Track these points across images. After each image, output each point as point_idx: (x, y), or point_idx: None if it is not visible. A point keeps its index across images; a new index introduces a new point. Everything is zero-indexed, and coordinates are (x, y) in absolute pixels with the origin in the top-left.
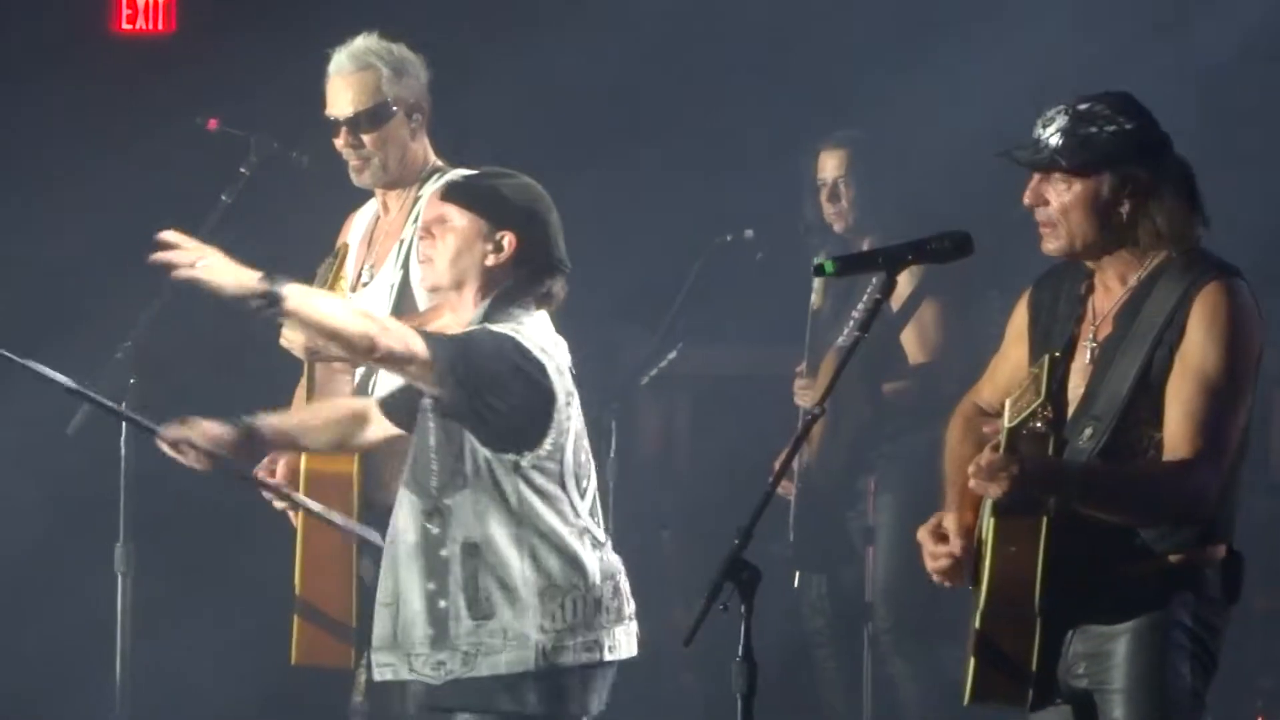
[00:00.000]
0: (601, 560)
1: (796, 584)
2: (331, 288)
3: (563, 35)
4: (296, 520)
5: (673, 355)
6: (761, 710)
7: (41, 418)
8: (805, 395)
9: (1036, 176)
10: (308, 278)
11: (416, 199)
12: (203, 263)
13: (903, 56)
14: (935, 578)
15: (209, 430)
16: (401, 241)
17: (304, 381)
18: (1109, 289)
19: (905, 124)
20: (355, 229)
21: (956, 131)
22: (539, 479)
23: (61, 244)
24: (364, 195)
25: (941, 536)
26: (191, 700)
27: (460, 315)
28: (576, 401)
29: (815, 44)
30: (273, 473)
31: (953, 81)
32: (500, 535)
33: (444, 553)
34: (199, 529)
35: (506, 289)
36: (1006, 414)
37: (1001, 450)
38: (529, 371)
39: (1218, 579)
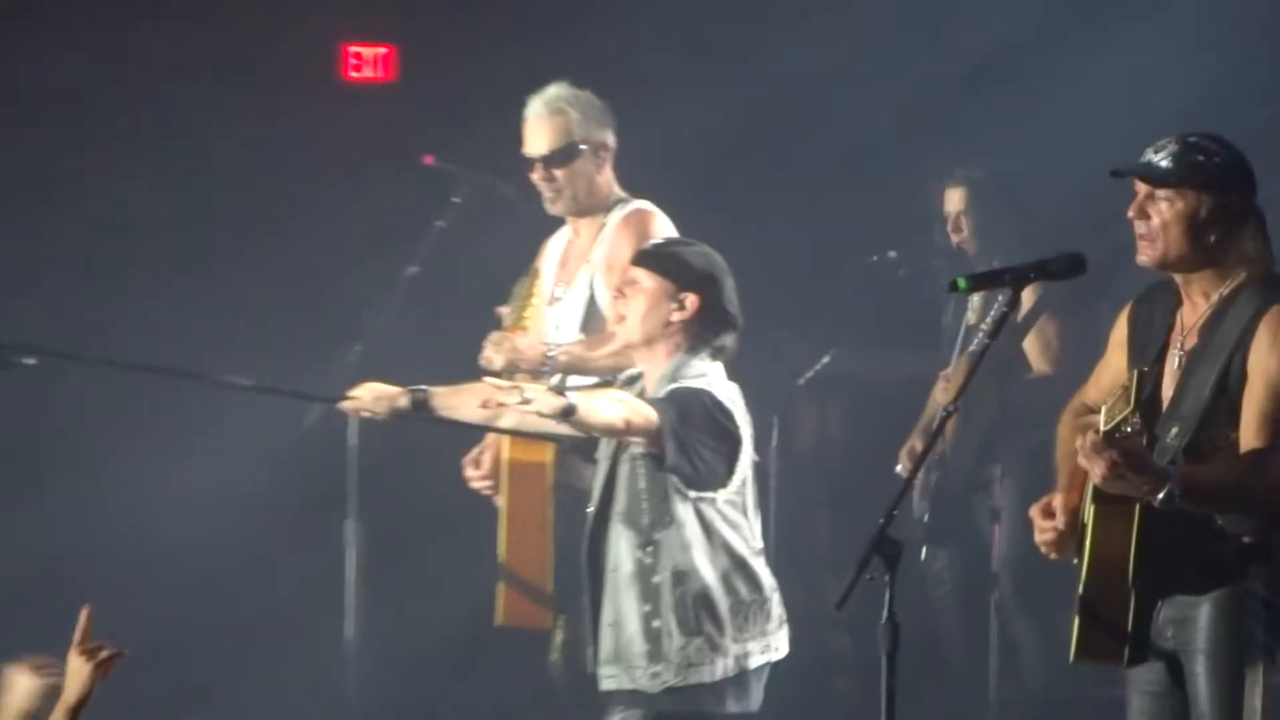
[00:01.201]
0: (768, 575)
1: (923, 557)
2: (526, 303)
3: (730, 80)
4: (500, 501)
5: (826, 359)
6: (902, 668)
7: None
8: (944, 391)
9: (1143, 192)
10: (505, 294)
11: (603, 225)
12: (526, 398)
13: (1021, 93)
14: (1042, 549)
15: (380, 391)
16: (590, 263)
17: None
18: (1195, 305)
19: (1025, 155)
20: (550, 252)
21: (1069, 162)
22: (730, 512)
23: (297, 265)
24: (558, 222)
25: (1049, 513)
26: (409, 658)
27: (651, 367)
28: (749, 442)
29: (944, 85)
30: (478, 463)
31: (1065, 115)
32: (702, 562)
33: (656, 580)
34: (415, 508)
35: (690, 344)
36: (1102, 419)
37: (1097, 449)
38: (723, 422)
39: None
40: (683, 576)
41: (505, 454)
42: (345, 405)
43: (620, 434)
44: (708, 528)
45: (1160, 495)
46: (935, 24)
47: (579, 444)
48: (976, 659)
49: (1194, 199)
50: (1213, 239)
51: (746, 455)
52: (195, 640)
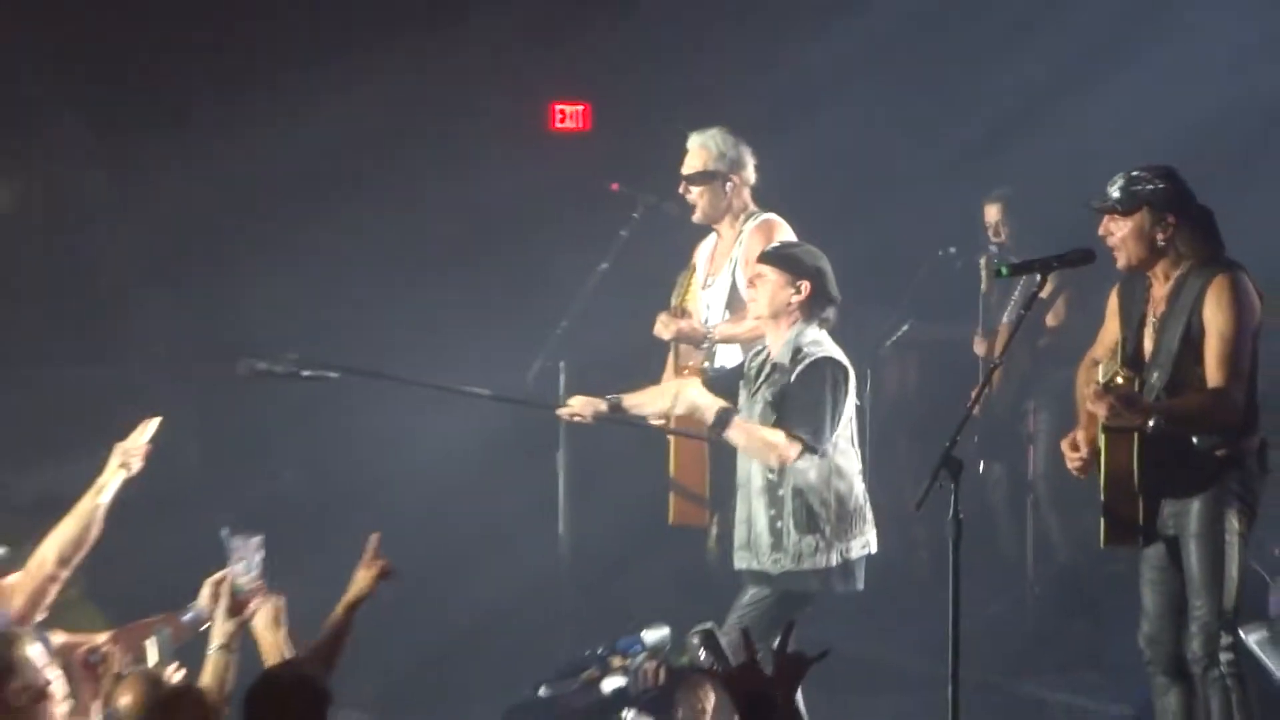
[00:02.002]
0: (863, 488)
1: (981, 470)
2: (685, 290)
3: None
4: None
5: (905, 328)
6: (965, 551)
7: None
8: (980, 345)
9: (1105, 218)
10: (671, 283)
11: (740, 231)
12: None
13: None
14: (1073, 472)
15: (587, 400)
16: (731, 259)
17: (670, 363)
18: (1161, 284)
19: (1047, 175)
20: (702, 251)
21: (1076, 182)
22: (842, 442)
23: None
24: (710, 230)
25: (1075, 447)
26: (606, 555)
27: (775, 336)
28: (854, 383)
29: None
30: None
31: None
32: (818, 480)
33: (780, 492)
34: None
35: (805, 318)
36: (1100, 373)
37: (1099, 395)
38: (839, 379)
39: (1255, 459)
40: (800, 491)
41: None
42: (561, 412)
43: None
44: (825, 455)
45: (1150, 423)
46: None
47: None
48: (1019, 544)
49: (1139, 219)
50: (1161, 242)
51: (852, 399)
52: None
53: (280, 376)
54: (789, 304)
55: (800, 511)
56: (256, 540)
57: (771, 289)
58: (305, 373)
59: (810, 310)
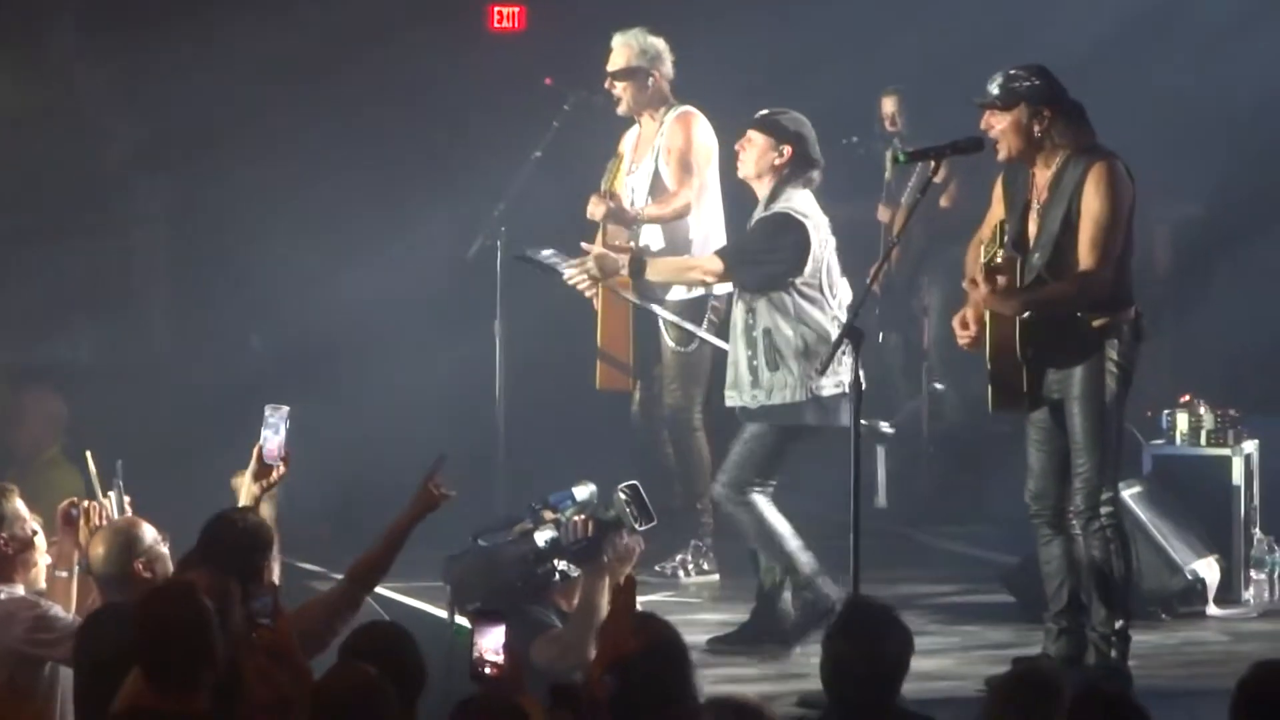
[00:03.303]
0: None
1: (880, 339)
2: (614, 176)
3: None
4: (597, 304)
5: None
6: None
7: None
8: (883, 213)
9: (987, 113)
10: (601, 170)
11: (661, 122)
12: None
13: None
14: (963, 347)
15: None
16: (654, 148)
17: (598, 241)
18: (1042, 172)
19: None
20: (627, 140)
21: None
22: (806, 289)
23: (457, 160)
24: (633, 121)
25: (965, 324)
26: (538, 413)
27: (760, 190)
28: (828, 240)
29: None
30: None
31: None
32: (785, 323)
33: (754, 334)
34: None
35: (784, 177)
36: (982, 254)
37: (980, 275)
38: (787, 230)
39: (1130, 329)
40: (767, 331)
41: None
42: (580, 270)
43: (701, 284)
44: (788, 300)
45: (1023, 314)
46: None
47: None
48: (914, 405)
49: (1017, 113)
50: (1037, 133)
51: (820, 253)
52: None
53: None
54: (772, 166)
55: (770, 350)
56: (284, 411)
57: (757, 152)
58: (562, 270)
59: (792, 172)
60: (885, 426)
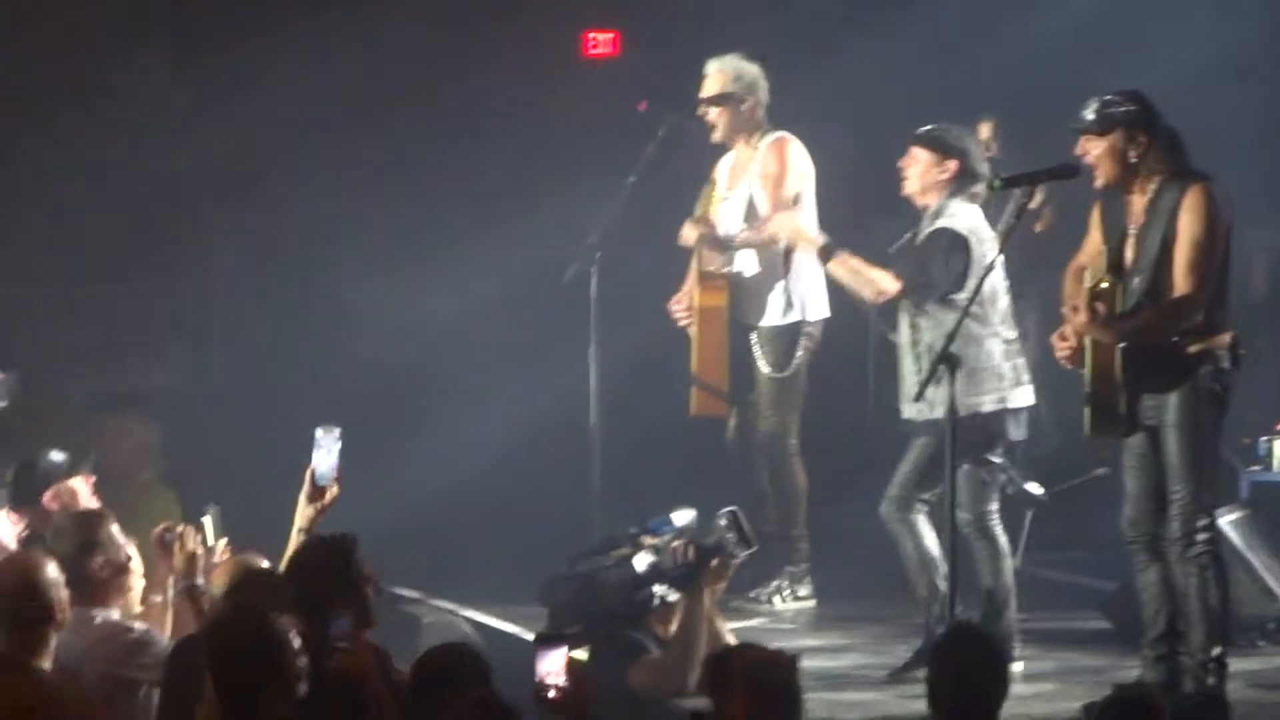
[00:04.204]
0: (1006, 348)
1: None
2: (707, 201)
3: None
4: (693, 331)
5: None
6: None
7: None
8: None
9: (1083, 139)
10: (694, 196)
11: (756, 149)
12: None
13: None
14: (1062, 361)
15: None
16: (748, 174)
17: (693, 268)
18: (1139, 198)
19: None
20: (722, 166)
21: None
22: (973, 308)
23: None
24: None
25: (1064, 338)
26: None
27: (928, 203)
28: (992, 254)
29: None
30: (680, 302)
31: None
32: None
33: (920, 349)
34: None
35: (951, 193)
36: (1087, 280)
37: (1083, 302)
38: (955, 246)
39: (1227, 354)
40: (930, 348)
41: (696, 301)
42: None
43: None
44: (951, 317)
45: (1120, 343)
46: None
47: None
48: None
49: (1113, 139)
50: (1133, 159)
51: (981, 267)
52: None
53: None
54: (937, 181)
55: (931, 364)
56: (336, 433)
57: (921, 169)
58: None
59: (958, 186)
60: (1036, 489)
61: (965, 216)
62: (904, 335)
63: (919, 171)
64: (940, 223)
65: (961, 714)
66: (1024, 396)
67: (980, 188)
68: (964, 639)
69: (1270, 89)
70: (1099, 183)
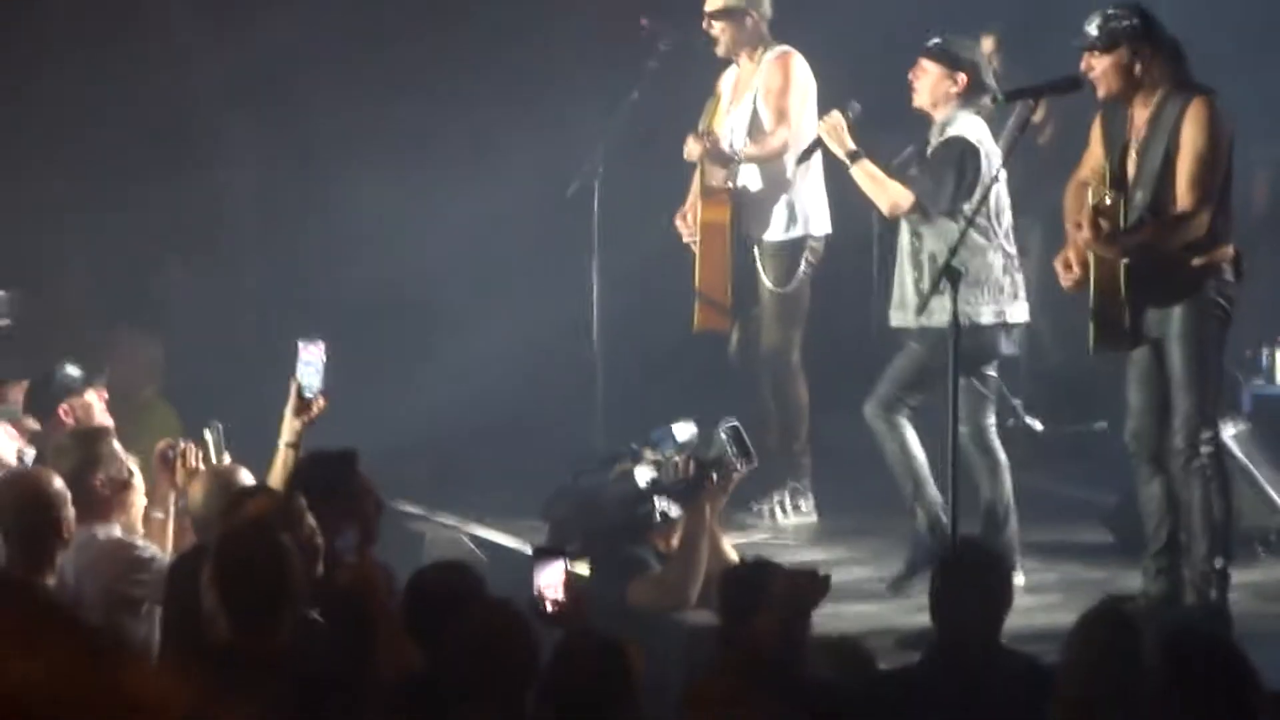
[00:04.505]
0: (1005, 261)
1: None
2: (712, 116)
3: None
4: (696, 247)
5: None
6: None
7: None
8: None
9: (1087, 55)
10: (697, 112)
11: (759, 62)
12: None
13: None
14: (1067, 289)
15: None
16: (752, 88)
17: (696, 182)
18: (1140, 111)
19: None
20: (725, 80)
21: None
22: (977, 219)
23: (557, 91)
24: (731, 61)
25: (1067, 265)
26: (636, 354)
27: (936, 117)
28: (997, 166)
29: None
30: (684, 219)
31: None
32: (947, 248)
33: (922, 257)
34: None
35: (960, 105)
36: (1091, 195)
37: (1086, 218)
38: (966, 155)
39: (1230, 267)
40: (933, 256)
41: (700, 215)
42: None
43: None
44: (954, 227)
45: (1125, 259)
46: None
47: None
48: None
49: (1118, 54)
50: (1137, 73)
51: (989, 177)
52: None
53: None
54: (947, 93)
55: (935, 274)
56: (321, 345)
57: (932, 81)
58: None
59: (966, 99)
60: (1037, 425)
61: (974, 128)
62: (905, 243)
63: (929, 84)
64: (951, 131)
65: (965, 627)
66: (1020, 312)
67: (986, 100)
68: (967, 553)
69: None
70: (1101, 95)
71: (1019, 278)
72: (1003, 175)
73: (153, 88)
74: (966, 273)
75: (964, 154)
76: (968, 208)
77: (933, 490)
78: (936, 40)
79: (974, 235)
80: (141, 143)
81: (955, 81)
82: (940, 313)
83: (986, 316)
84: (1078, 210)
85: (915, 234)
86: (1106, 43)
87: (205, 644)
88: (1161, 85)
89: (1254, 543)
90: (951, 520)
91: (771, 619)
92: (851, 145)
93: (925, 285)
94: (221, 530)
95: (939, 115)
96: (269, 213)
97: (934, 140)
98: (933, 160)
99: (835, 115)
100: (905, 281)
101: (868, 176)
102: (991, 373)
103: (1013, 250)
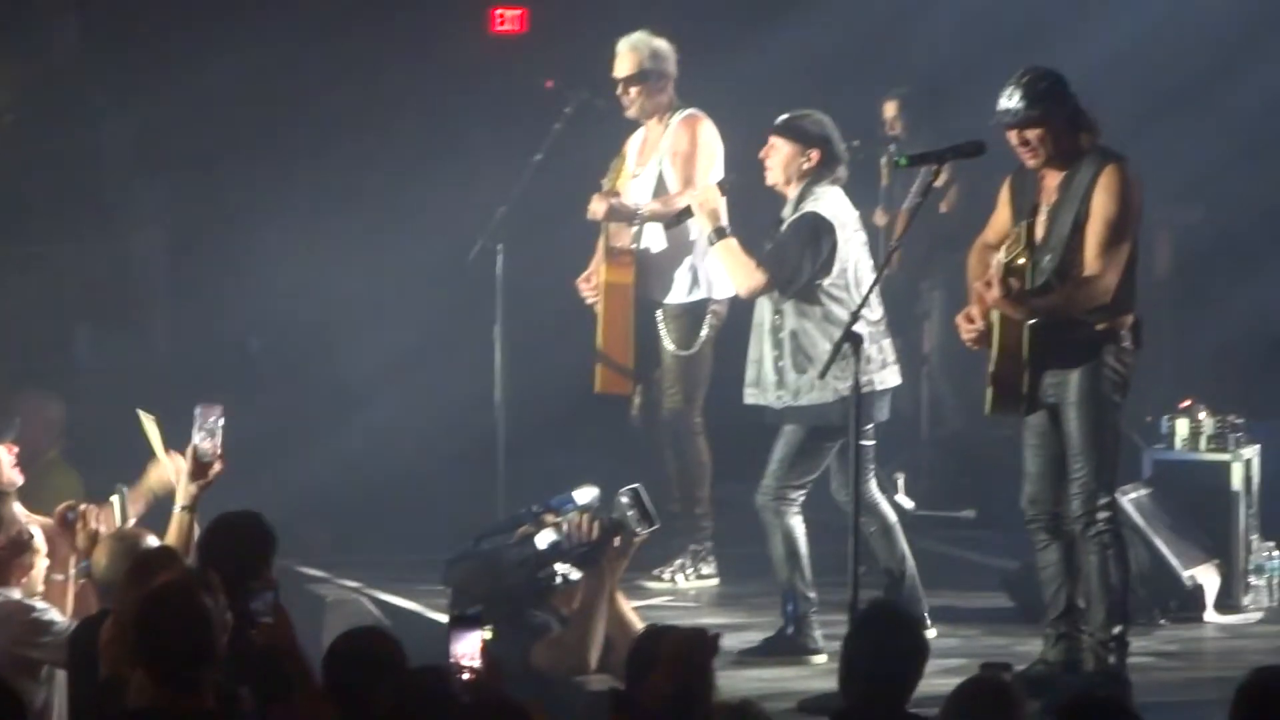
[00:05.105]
0: (872, 330)
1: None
2: (616, 176)
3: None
4: (599, 308)
5: None
6: None
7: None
8: (880, 217)
9: (1014, 130)
10: (601, 173)
11: (667, 125)
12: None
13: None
14: (967, 344)
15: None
16: (659, 150)
17: (600, 244)
18: (1053, 175)
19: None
20: (632, 143)
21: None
22: (834, 290)
23: (458, 158)
24: (638, 123)
25: (970, 319)
26: (537, 416)
27: (791, 191)
28: (857, 239)
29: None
30: (588, 280)
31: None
32: (812, 326)
33: (781, 335)
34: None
35: (814, 180)
36: (1002, 254)
37: (996, 277)
38: (820, 232)
39: (1129, 335)
40: (794, 334)
41: (602, 277)
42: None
43: (744, 292)
44: (816, 301)
45: (1032, 319)
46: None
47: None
48: (914, 410)
49: (1045, 125)
50: (1062, 141)
51: (846, 252)
52: None
53: None
54: (800, 170)
55: (796, 353)
56: (218, 409)
57: (783, 158)
58: None
59: (819, 174)
60: (908, 503)
61: (829, 201)
62: (766, 320)
63: (781, 161)
64: (805, 207)
65: (877, 691)
66: (891, 377)
67: (843, 171)
68: (884, 617)
69: (1166, 68)
70: (1033, 165)
71: (886, 344)
72: (858, 241)
73: (64, 148)
74: (814, 351)
75: (818, 229)
76: (828, 282)
77: (804, 585)
78: (786, 117)
79: (834, 308)
80: (51, 204)
81: (808, 157)
82: (807, 392)
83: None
84: (983, 271)
85: (777, 312)
86: (1035, 116)
87: (120, 708)
88: (1074, 151)
89: (1154, 608)
90: (853, 581)
91: (664, 680)
92: (721, 221)
93: (786, 364)
94: (140, 593)
95: (792, 191)
96: (179, 275)
97: (788, 216)
98: (785, 237)
99: (710, 188)
100: (764, 359)
101: (730, 255)
102: (865, 441)
103: (876, 316)
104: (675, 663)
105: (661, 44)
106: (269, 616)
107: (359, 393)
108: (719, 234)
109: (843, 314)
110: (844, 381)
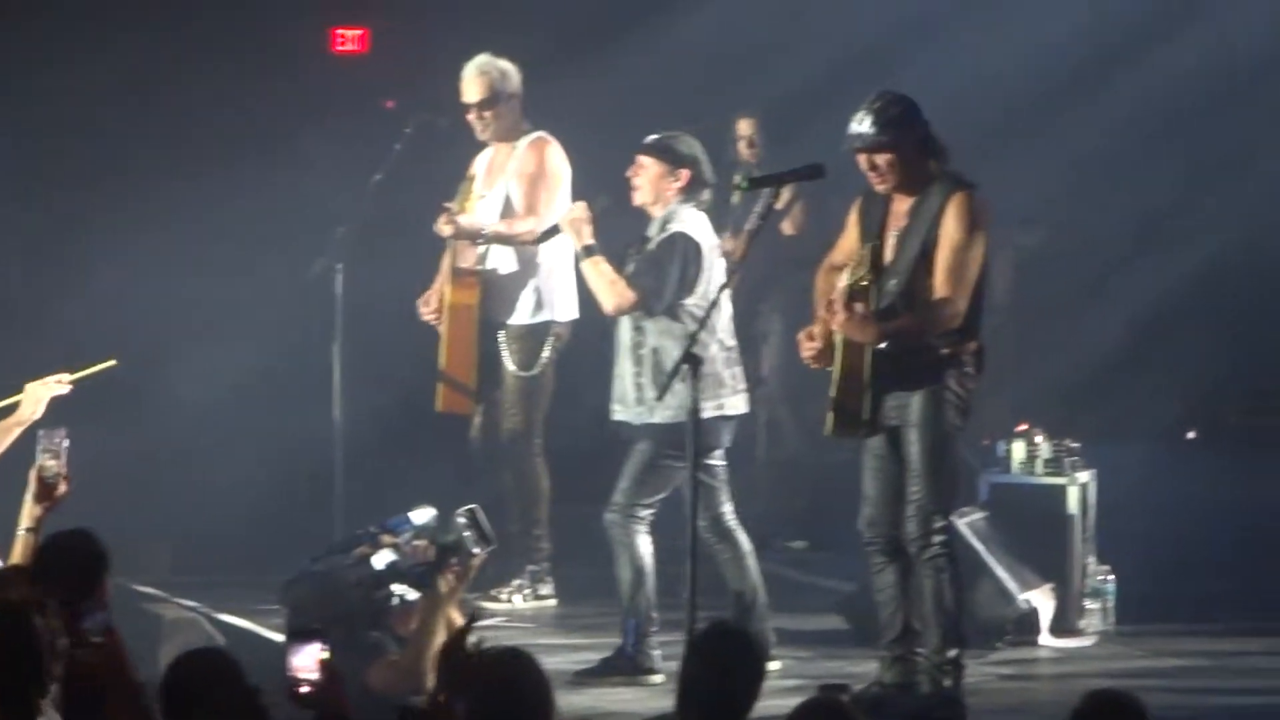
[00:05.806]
0: (726, 355)
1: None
2: (465, 198)
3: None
4: (442, 328)
5: None
6: None
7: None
8: (728, 243)
9: (865, 155)
10: (443, 193)
11: (515, 147)
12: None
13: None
14: (807, 361)
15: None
16: (505, 172)
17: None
18: (902, 198)
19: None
20: (479, 164)
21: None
22: (696, 310)
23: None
24: (480, 144)
25: (811, 337)
26: (378, 436)
27: (657, 211)
28: (717, 261)
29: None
30: (428, 302)
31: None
32: (672, 344)
33: (641, 351)
34: (382, 337)
35: (681, 201)
36: (847, 276)
37: (840, 299)
38: (689, 253)
39: (972, 360)
40: (655, 350)
41: (447, 297)
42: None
43: (611, 311)
44: (677, 319)
45: (879, 343)
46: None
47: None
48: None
49: (900, 151)
50: (914, 166)
51: (710, 273)
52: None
53: None
54: (668, 190)
55: (656, 369)
56: (62, 432)
57: (652, 177)
58: None
59: (686, 195)
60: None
61: (695, 223)
62: (626, 338)
63: (649, 180)
64: (673, 228)
65: (715, 712)
66: (740, 404)
67: (708, 195)
68: (724, 638)
69: (1014, 93)
70: (885, 188)
71: (738, 370)
72: (718, 265)
73: None
74: (703, 362)
75: (687, 250)
76: (691, 302)
77: (648, 604)
78: (655, 137)
79: (692, 326)
80: None
81: (677, 177)
82: (663, 409)
83: (708, 410)
84: (830, 291)
85: (637, 328)
86: (892, 138)
87: None
88: (923, 177)
89: (990, 631)
90: (690, 602)
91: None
92: (589, 240)
93: (645, 380)
94: None
95: (658, 211)
96: (32, 296)
97: (654, 235)
98: (654, 255)
99: (579, 207)
100: (625, 376)
101: (598, 273)
102: (717, 463)
103: (732, 342)
104: (472, 682)
105: (507, 65)
106: (99, 636)
107: (197, 411)
108: (588, 252)
109: (705, 335)
110: (703, 403)
